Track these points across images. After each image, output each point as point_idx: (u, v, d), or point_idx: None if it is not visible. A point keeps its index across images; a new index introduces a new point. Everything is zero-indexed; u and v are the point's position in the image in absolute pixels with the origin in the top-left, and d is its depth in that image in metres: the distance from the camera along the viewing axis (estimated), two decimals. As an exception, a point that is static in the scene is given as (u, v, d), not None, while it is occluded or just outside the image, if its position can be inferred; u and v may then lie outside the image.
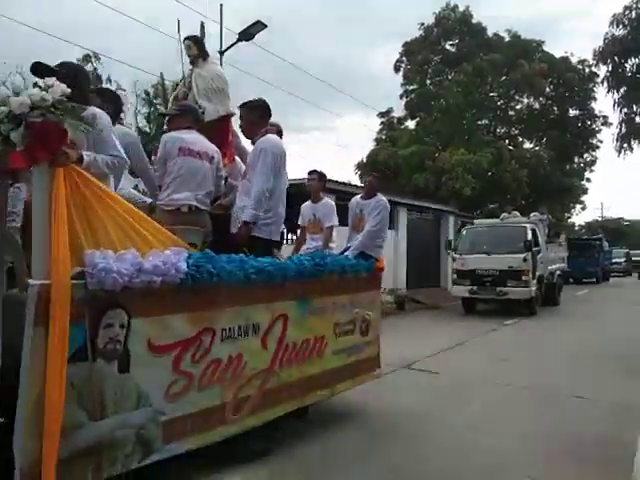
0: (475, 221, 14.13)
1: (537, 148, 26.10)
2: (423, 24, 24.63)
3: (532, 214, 14.46)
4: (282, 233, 4.55)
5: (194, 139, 3.78)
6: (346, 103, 56.36)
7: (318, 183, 5.71)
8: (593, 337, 8.98)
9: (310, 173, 5.81)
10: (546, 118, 25.58)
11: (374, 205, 4.86)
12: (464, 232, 12.89)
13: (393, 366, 6.53)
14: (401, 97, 25.46)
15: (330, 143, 43.95)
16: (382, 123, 26.94)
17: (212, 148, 3.91)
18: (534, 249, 11.90)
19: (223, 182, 4.18)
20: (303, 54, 44.31)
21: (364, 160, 25.25)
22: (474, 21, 24.28)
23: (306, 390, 3.80)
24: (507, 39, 24.53)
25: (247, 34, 9.65)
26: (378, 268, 4.73)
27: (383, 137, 26.31)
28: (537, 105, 26.08)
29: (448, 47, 24.93)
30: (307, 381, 3.79)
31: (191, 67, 4.70)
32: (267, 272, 3.36)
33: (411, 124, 26.24)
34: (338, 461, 3.67)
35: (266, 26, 9.53)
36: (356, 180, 24.47)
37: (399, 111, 26.33)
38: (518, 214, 14.32)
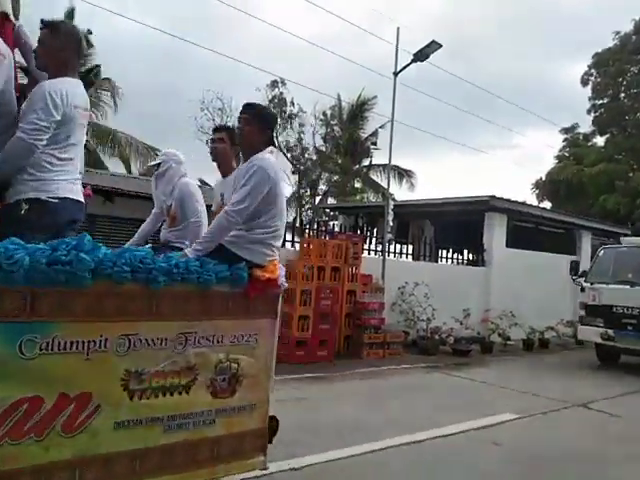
0: (622, 239, 10.56)
1: None
2: (619, 32, 22.40)
3: None
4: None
5: None
6: (527, 120, 53.30)
7: (226, 146, 3.72)
8: None
9: (215, 130, 3.96)
10: None
11: (241, 175, 2.89)
12: (601, 253, 9.71)
13: (567, 403, 6.06)
14: (589, 112, 23.40)
15: (510, 162, 41.86)
16: (565, 140, 24.98)
17: None
18: None
19: None
20: (482, 72, 43.03)
21: (543, 179, 23.64)
22: (685, 24, 21.41)
23: None
24: None
25: (422, 54, 9.76)
26: (260, 280, 2.75)
27: (566, 154, 24.36)
28: None
29: (649, 56, 22.29)
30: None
31: None
32: None
33: (600, 141, 23.94)
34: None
35: (441, 46, 9.53)
36: (533, 200, 23.02)
37: (585, 127, 24.22)
38: None
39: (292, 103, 21.13)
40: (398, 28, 10.42)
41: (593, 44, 37.98)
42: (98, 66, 17.27)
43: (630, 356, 9.16)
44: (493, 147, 47.58)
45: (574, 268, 10.06)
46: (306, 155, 22.04)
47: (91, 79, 16.11)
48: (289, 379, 6.57)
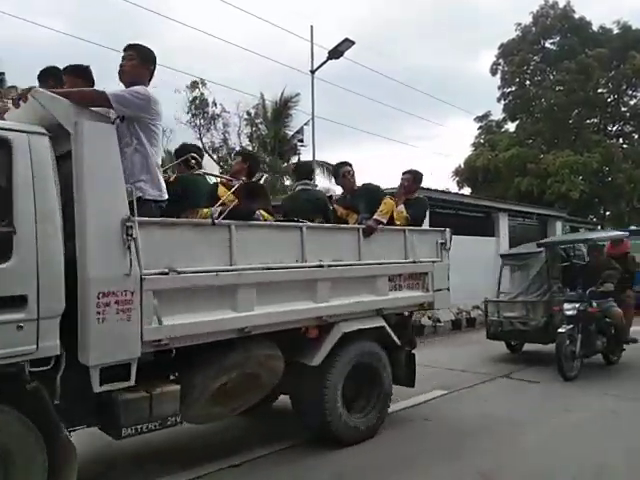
0: None
1: (656, 145, 24.05)
2: (520, 24, 23.78)
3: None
4: None
5: None
6: (446, 111, 55.46)
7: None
8: None
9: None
10: (665, 112, 23.54)
11: None
12: None
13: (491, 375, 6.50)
14: (499, 100, 24.70)
15: (432, 152, 43.47)
16: (480, 127, 26.23)
17: None
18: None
19: None
20: (399, 67, 44.16)
21: (461, 166, 24.72)
22: (576, 16, 23.02)
23: None
24: (615, 31, 22.95)
25: (337, 52, 10.03)
26: None
27: (481, 141, 25.59)
28: (654, 99, 24.07)
29: (548, 45, 23.82)
30: None
31: None
32: None
33: (511, 127, 25.34)
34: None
35: (354, 43, 9.84)
36: (454, 187, 24.04)
37: (497, 114, 25.56)
38: None
39: (214, 104, 20.93)
40: (312, 27, 10.65)
41: (501, 36, 40.06)
42: (2, 74, 16.33)
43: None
44: (419, 138, 49.11)
45: None
46: (233, 155, 21.89)
47: (-5, 88, 15.21)
48: None
